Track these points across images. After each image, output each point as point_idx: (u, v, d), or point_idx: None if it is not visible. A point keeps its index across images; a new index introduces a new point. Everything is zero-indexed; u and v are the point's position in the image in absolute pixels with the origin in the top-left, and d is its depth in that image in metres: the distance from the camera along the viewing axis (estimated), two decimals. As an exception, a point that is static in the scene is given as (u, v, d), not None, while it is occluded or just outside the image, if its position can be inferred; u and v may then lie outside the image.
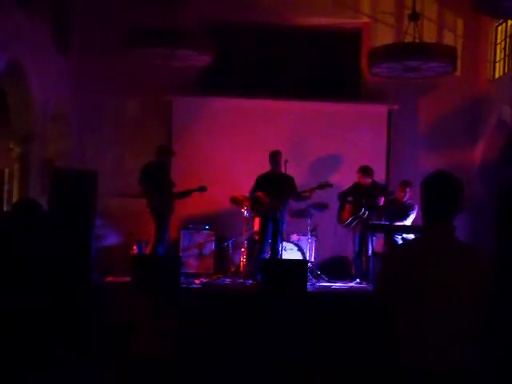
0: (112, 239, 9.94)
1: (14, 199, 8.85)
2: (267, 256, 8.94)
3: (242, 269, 9.55)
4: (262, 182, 9.02)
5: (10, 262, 3.77)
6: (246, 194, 9.35)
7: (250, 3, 10.93)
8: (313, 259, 9.76)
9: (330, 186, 9.07)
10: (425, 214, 2.85)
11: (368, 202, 9.22)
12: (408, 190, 9.39)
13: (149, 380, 5.44)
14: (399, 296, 2.74)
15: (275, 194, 8.86)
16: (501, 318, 2.92)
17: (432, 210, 2.82)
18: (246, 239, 9.62)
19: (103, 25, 10.64)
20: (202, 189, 9.10)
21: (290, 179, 9.03)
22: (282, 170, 9.00)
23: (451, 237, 2.81)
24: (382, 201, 9.25)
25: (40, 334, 3.90)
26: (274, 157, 9.07)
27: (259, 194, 8.99)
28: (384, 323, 2.84)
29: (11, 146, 9.10)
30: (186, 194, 9.07)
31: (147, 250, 9.06)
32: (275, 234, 8.88)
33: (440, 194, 2.80)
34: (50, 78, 9.49)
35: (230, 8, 10.94)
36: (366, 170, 9.41)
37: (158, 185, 8.78)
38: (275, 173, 9.06)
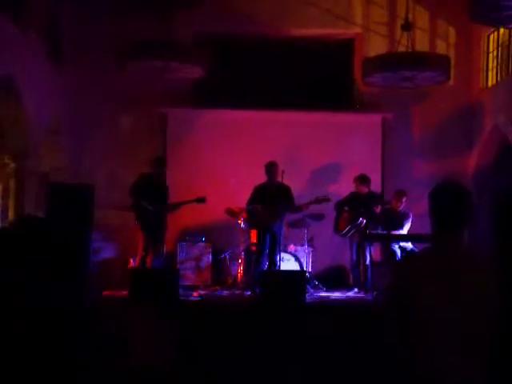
0: (109, 253, 9.90)
1: (10, 215, 8.81)
2: (265, 268, 8.92)
3: (239, 280, 9.53)
4: (259, 194, 9.01)
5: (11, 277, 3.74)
6: (242, 205, 9.33)
7: (242, 15, 10.96)
8: (310, 269, 9.76)
9: (328, 200, 9.05)
10: (435, 224, 2.83)
11: (365, 211, 9.22)
12: (404, 199, 9.43)
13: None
14: (409, 306, 2.72)
15: (272, 206, 8.85)
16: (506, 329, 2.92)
17: (443, 220, 2.80)
18: (242, 251, 9.61)
19: (97, 38, 10.63)
20: (201, 200, 8.99)
21: (287, 190, 9.02)
22: (279, 180, 9.00)
23: (462, 247, 2.80)
24: (378, 209, 9.27)
25: (38, 348, 3.86)
26: (270, 168, 9.05)
27: (256, 206, 8.96)
28: (392, 335, 2.82)
29: (6, 161, 9.06)
30: (181, 204, 9.02)
31: (136, 263, 9.02)
32: (273, 246, 8.87)
33: (450, 204, 2.78)
34: (44, 92, 9.47)
35: (222, 20, 10.97)
36: (363, 179, 9.42)
37: (151, 197, 8.74)
38: (272, 184, 9.05)
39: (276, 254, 8.85)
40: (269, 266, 8.88)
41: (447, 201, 2.80)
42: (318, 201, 8.99)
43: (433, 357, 2.68)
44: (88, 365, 4.65)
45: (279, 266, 8.88)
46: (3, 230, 6.59)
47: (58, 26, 10.23)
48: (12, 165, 9.01)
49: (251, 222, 9.21)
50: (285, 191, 8.98)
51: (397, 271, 2.92)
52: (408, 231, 9.39)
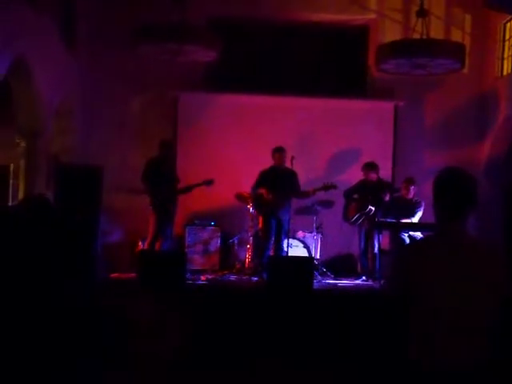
0: (117, 235, 9.92)
1: (20, 194, 8.84)
2: (271, 253, 8.90)
3: (247, 266, 9.53)
4: (265, 178, 8.97)
5: (17, 258, 3.74)
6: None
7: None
8: (318, 256, 9.74)
9: (335, 187, 9.03)
10: (439, 210, 2.83)
11: (373, 199, 9.18)
12: (412, 187, 9.36)
13: (156, 377, 5.42)
14: (414, 293, 2.72)
15: (277, 191, 8.81)
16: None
17: (447, 206, 2.80)
18: (251, 236, 9.59)
19: (110, 20, 10.59)
20: (209, 182, 9.00)
21: (293, 175, 8.98)
22: (289, 166, 8.97)
23: (466, 233, 2.80)
24: (387, 197, 9.22)
25: (44, 331, 3.87)
26: (276, 153, 9.02)
27: (262, 190, 8.93)
28: (397, 320, 2.81)
29: (17, 140, 9.08)
30: (190, 188, 9.02)
31: (145, 246, 9.04)
32: (279, 231, 8.84)
33: (454, 190, 2.79)
34: (57, 74, 9.46)
35: (236, 3, 10.89)
36: (370, 166, 9.38)
37: (162, 181, 8.75)
38: (278, 168, 9.01)
39: (282, 240, 8.83)
40: (275, 252, 8.86)
41: (451, 187, 2.80)
42: (325, 188, 8.96)
43: (436, 342, 2.68)
44: (97, 347, 4.66)
45: (286, 252, 8.86)
46: (10, 208, 6.61)
47: (72, 9, 10.19)
48: (23, 145, 9.03)
49: (256, 207, 9.19)
50: (291, 176, 8.94)
51: (402, 257, 2.93)
52: (420, 220, 9.33)
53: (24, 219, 3.58)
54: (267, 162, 9.14)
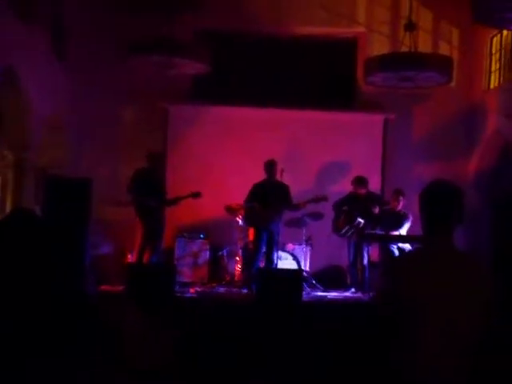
0: (106, 248, 9.89)
1: (8, 207, 8.79)
2: (262, 266, 8.91)
3: (236, 278, 9.53)
4: (257, 192, 9.00)
5: (4, 272, 3.72)
6: (241, 202, 9.32)
7: (245, 12, 10.92)
8: (308, 268, 9.74)
9: (325, 199, 9.07)
10: (425, 223, 2.82)
11: (363, 212, 9.21)
12: (401, 199, 9.40)
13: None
14: (400, 308, 2.71)
15: (270, 204, 8.84)
16: (499, 328, 2.91)
17: (433, 219, 2.78)
18: (240, 248, 9.60)
19: (101, 34, 10.59)
20: (196, 194, 9.03)
21: (285, 188, 9.02)
22: (278, 178, 9.01)
23: (452, 247, 2.78)
24: (376, 210, 9.25)
25: (33, 345, 3.84)
26: (269, 166, 9.06)
27: (254, 204, 8.96)
28: (384, 336, 2.81)
29: (5, 153, 9.04)
30: (177, 200, 9.02)
31: (133, 259, 9.03)
32: (270, 244, 8.86)
33: (441, 202, 2.77)
34: (47, 86, 9.45)
35: (225, 17, 10.94)
36: (360, 181, 9.42)
37: (148, 192, 8.75)
38: (270, 182, 9.05)
39: (273, 253, 8.85)
40: (265, 264, 8.87)
41: (438, 200, 2.78)
42: (316, 200, 9.00)
43: (422, 357, 2.67)
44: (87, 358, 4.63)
45: (276, 265, 8.87)
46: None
47: (62, 23, 10.19)
48: (11, 157, 8.98)
49: (249, 220, 9.20)
50: (283, 189, 8.99)
51: (389, 271, 2.91)
52: (408, 232, 9.36)
53: (9, 233, 3.56)
54: (256, 174, 9.15)
